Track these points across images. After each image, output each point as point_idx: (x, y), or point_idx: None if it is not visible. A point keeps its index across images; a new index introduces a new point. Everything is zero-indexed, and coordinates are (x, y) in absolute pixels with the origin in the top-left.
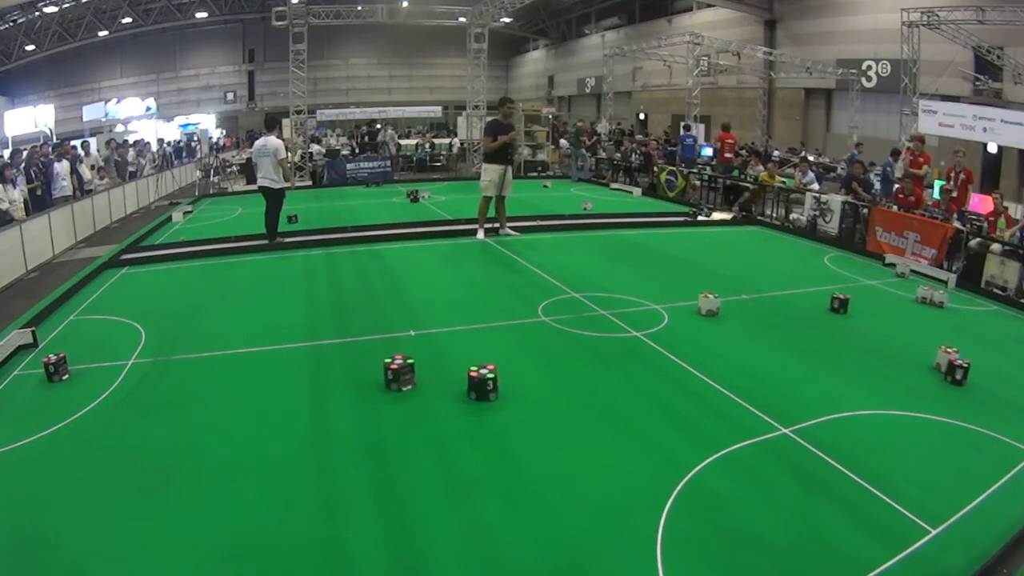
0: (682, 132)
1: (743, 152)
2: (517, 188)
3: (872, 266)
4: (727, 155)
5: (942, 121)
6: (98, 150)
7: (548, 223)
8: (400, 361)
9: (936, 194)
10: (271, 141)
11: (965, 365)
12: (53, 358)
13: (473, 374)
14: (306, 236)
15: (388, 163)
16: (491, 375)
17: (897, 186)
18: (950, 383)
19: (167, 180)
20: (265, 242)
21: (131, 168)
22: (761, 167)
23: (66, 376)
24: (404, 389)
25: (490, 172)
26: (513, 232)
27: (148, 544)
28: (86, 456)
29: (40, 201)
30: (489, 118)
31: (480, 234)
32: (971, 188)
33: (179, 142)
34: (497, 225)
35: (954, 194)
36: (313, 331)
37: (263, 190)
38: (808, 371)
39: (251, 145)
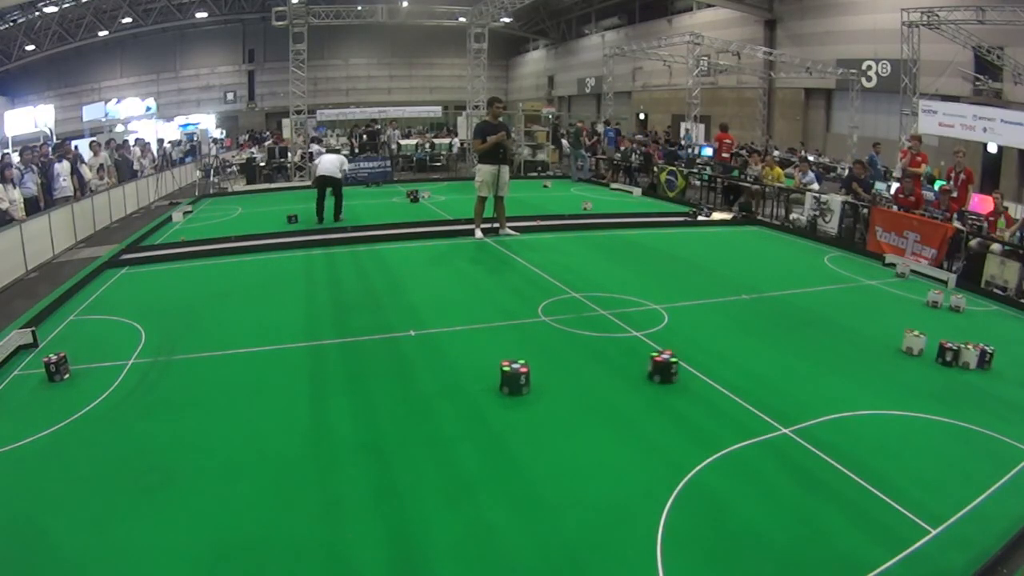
0: (603, 128)
1: (742, 152)
2: (517, 188)
3: (872, 266)
4: (724, 155)
5: (942, 121)
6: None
7: (548, 223)
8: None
9: (932, 196)
10: (337, 157)
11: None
12: (54, 358)
13: (505, 365)
14: (306, 236)
15: (388, 163)
16: (524, 369)
17: (897, 186)
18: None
19: (167, 180)
20: (266, 242)
21: (134, 167)
22: (760, 166)
23: (67, 376)
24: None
25: (483, 172)
26: (513, 232)
27: (147, 544)
28: (86, 456)
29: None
30: (477, 120)
31: (478, 233)
32: (971, 188)
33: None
34: (497, 225)
35: (954, 194)
36: (313, 331)
37: (326, 179)
38: (808, 371)
39: (252, 145)
